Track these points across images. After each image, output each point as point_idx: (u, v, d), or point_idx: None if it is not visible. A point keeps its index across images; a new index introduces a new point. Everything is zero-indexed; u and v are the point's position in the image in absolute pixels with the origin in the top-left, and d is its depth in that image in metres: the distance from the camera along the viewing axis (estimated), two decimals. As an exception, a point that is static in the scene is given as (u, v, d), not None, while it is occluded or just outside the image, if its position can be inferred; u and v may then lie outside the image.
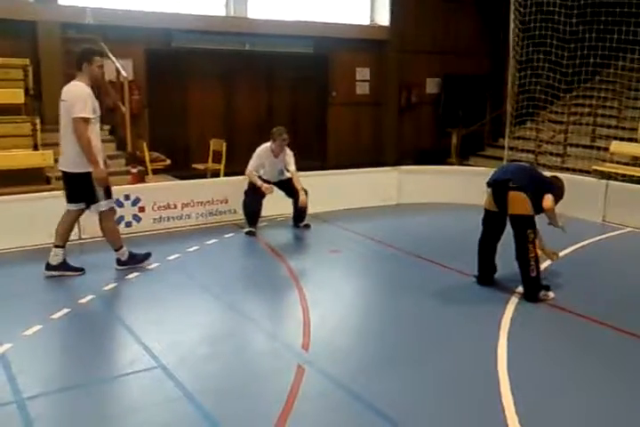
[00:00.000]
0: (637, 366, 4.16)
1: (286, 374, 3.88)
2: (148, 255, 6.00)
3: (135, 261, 5.89)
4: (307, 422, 3.43)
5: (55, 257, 5.60)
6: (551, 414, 3.54)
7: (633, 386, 3.88)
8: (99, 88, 9.62)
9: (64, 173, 5.51)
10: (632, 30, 9.02)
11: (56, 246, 5.61)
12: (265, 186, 7.08)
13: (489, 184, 5.42)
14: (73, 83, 5.37)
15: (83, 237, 6.88)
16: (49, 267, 5.61)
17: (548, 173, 6.27)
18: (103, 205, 5.55)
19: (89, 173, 5.35)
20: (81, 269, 5.72)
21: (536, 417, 3.48)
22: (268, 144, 7.26)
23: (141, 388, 3.76)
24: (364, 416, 3.48)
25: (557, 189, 5.42)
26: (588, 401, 3.70)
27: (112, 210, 5.74)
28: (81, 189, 5.47)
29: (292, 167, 7.24)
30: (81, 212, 5.69)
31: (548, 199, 5.18)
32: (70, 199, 5.61)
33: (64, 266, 5.64)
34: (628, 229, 7.73)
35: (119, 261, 5.85)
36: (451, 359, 4.21)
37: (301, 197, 7.15)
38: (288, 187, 7.29)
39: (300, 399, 3.59)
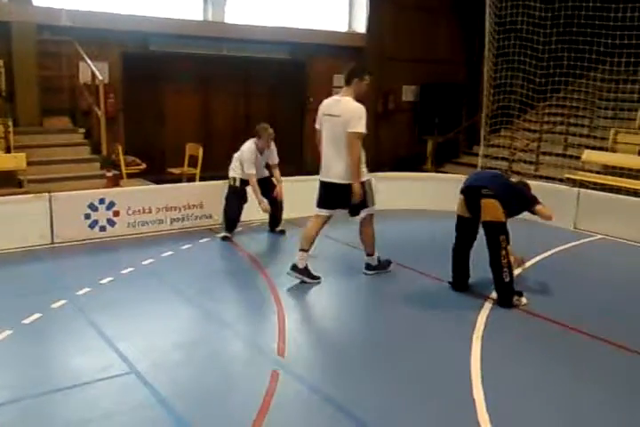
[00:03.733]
0: (607, 370, 4.24)
1: (261, 380, 3.87)
2: (389, 262, 6.17)
3: (381, 267, 6.05)
4: (282, 428, 3.43)
5: (301, 261, 5.67)
6: (522, 415, 3.59)
7: (601, 389, 3.95)
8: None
9: (330, 183, 5.55)
10: (603, 42, 9.21)
11: (301, 250, 5.67)
12: (265, 206, 7.08)
13: (462, 191, 5.49)
14: (344, 98, 5.46)
15: (55, 241, 6.79)
16: (294, 268, 5.68)
17: (516, 179, 6.43)
18: (372, 209, 5.73)
19: (361, 183, 5.47)
20: (318, 278, 5.77)
21: (508, 419, 3.53)
22: (250, 144, 7.12)
23: (115, 393, 3.71)
24: (341, 421, 3.49)
25: (530, 197, 5.53)
26: (557, 403, 3.76)
27: (373, 216, 5.83)
28: (347, 198, 5.49)
29: (276, 160, 7.36)
30: (329, 217, 5.78)
31: (542, 211, 5.47)
32: (325, 205, 5.68)
33: (306, 272, 5.71)
34: (599, 237, 7.87)
35: (369, 266, 6.02)
36: (425, 364, 4.25)
37: (279, 188, 7.30)
38: (265, 186, 7.25)
39: (276, 404, 3.58)
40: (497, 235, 5.21)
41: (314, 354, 4.44)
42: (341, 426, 3.45)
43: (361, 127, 5.33)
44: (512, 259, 5.29)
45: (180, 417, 3.45)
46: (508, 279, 5.21)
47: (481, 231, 5.41)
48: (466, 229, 5.49)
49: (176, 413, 3.48)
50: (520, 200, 5.43)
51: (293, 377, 3.96)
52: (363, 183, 5.51)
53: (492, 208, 5.20)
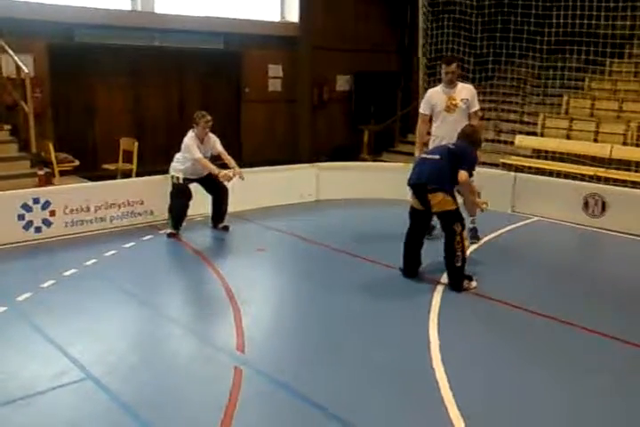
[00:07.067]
0: (556, 346, 4.41)
1: (224, 378, 3.80)
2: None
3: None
4: (251, 426, 3.37)
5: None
6: (485, 395, 3.69)
7: (551, 365, 4.11)
8: None
9: None
10: (533, 30, 9.50)
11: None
12: (226, 174, 6.78)
13: (409, 186, 5.54)
14: None
15: (-12, 244, 6.44)
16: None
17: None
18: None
19: None
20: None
21: (467, 391, 3.64)
22: (190, 133, 6.96)
23: (73, 401, 3.56)
24: (309, 414, 3.47)
25: (472, 148, 5.56)
26: (516, 377, 3.88)
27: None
28: None
29: (221, 149, 7.09)
30: None
31: (462, 174, 5.26)
32: None
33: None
34: (536, 218, 8.15)
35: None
36: (386, 350, 4.29)
37: (237, 168, 6.93)
38: (211, 183, 7.12)
39: (242, 402, 3.53)
40: (451, 223, 5.33)
41: (273, 348, 4.40)
42: (311, 419, 3.43)
43: (421, 108, 6.82)
44: (466, 244, 5.42)
45: (146, 422, 3.33)
46: (459, 264, 5.33)
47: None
48: (420, 218, 5.57)
49: (141, 418, 3.36)
50: (465, 159, 5.42)
51: (256, 373, 3.91)
52: None
53: (439, 200, 5.30)
